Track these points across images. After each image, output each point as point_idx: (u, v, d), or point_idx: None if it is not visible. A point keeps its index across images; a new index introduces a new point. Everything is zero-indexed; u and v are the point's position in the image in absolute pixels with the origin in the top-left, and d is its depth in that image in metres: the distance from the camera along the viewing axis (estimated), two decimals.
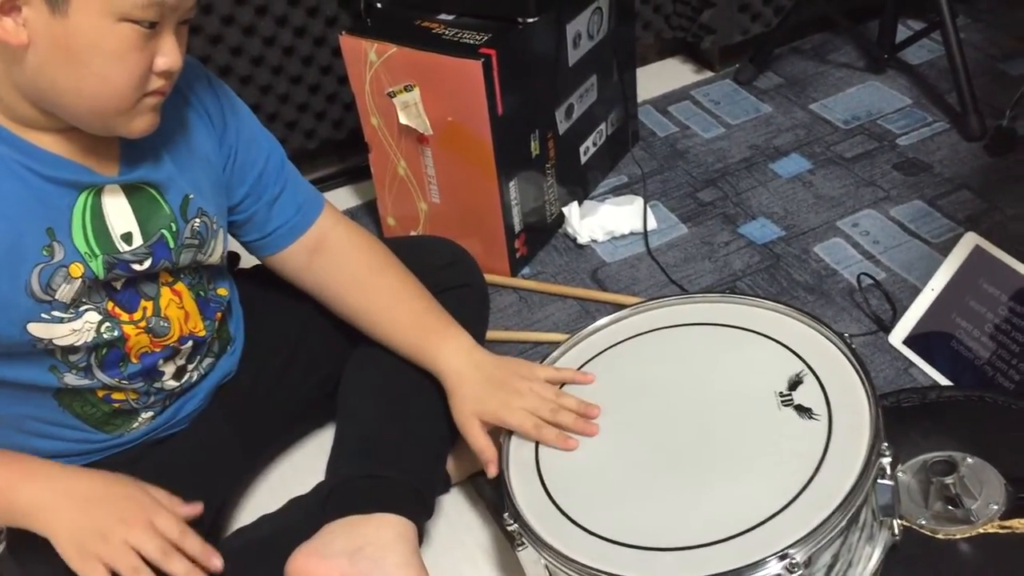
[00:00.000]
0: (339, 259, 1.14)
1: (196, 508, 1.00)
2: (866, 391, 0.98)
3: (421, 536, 1.06)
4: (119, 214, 0.95)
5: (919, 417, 1.15)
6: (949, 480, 1.02)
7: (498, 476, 1.03)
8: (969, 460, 1.05)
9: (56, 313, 0.93)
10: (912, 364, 1.33)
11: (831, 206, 1.66)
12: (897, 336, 1.36)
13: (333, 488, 1.08)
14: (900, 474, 1.07)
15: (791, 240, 1.59)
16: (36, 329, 0.92)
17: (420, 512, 1.08)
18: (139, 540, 0.91)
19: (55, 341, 0.94)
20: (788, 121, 1.89)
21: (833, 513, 0.87)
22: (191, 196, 1.01)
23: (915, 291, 1.38)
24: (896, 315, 1.39)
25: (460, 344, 1.10)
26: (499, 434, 1.06)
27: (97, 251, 0.94)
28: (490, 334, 1.38)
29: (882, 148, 1.78)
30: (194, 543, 0.95)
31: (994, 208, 1.60)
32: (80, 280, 0.93)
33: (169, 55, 0.87)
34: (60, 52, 0.82)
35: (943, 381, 1.29)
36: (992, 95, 1.82)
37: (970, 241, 1.30)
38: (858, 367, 1.01)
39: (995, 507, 1.01)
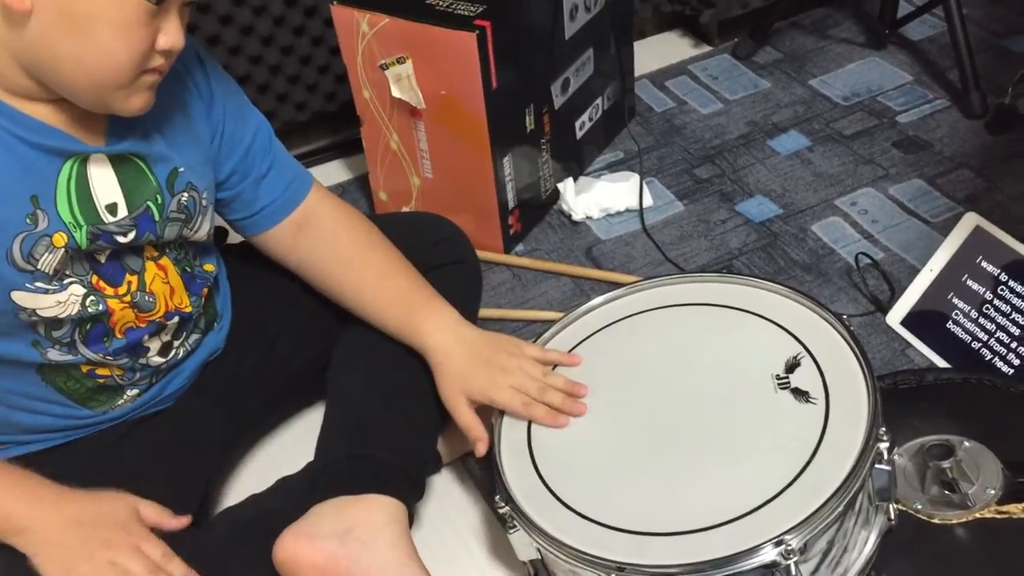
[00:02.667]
0: (324, 236, 1.12)
1: (184, 521, 0.99)
2: (864, 375, 0.97)
3: (411, 517, 1.05)
4: (104, 184, 0.94)
5: (916, 399, 1.13)
6: (946, 464, 1.01)
7: (489, 457, 1.02)
8: (966, 444, 1.04)
9: (40, 284, 0.91)
10: (909, 345, 1.32)
11: (829, 184, 1.64)
12: (895, 317, 1.34)
13: (322, 468, 1.06)
14: (896, 457, 1.05)
15: (789, 218, 1.58)
16: (20, 298, 0.91)
17: (410, 493, 1.06)
18: (125, 561, 0.91)
19: (39, 312, 0.92)
20: (787, 97, 1.86)
21: (830, 499, 0.86)
22: (180, 169, 0.99)
23: (914, 271, 1.36)
24: (894, 295, 1.37)
25: (446, 320, 1.09)
26: (490, 413, 1.05)
27: (81, 221, 0.92)
28: (483, 312, 1.36)
29: (882, 125, 1.76)
30: (178, 567, 0.94)
31: (994, 187, 1.58)
32: (63, 250, 0.91)
33: (172, 34, 0.86)
34: (64, 20, 0.81)
35: (940, 363, 1.28)
36: (994, 72, 1.80)
37: (970, 221, 1.29)
38: (857, 350, 1.00)
39: (992, 492, 1.00)
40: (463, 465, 1.23)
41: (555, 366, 1.09)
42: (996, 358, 1.23)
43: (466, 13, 1.36)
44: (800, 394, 0.97)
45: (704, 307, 1.11)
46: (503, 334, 1.11)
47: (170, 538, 0.96)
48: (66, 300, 0.94)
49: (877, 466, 0.91)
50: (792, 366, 1.00)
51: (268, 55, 1.69)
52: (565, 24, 1.52)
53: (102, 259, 0.96)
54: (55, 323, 0.95)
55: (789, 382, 0.99)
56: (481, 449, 1.05)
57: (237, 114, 1.06)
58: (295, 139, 1.79)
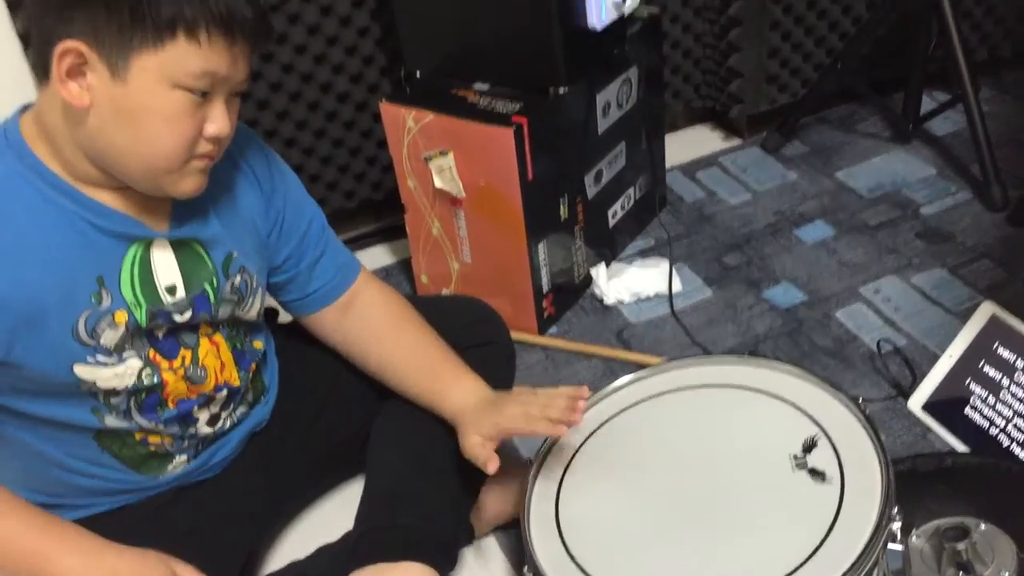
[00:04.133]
0: (365, 315, 1.19)
1: None
2: (879, 456, 1.01)
3: None
4: (165, 267, 1.01)
5: (934, 482, 1.16)
6: (961, 546, 1.03)
7: (518, 529, 1.06)
8: (982, 526, 1.06)
9: (100, 357, 0.98)
10: (930, 430, 1.35)
11: (854, 272, 1.69)
12: (916, 402, 1.38)
13: (360, 536, 1.11)
14: (914, 538, 1.08)
15: (814, 305, 1.63)
16: (81, 371, 0.97)
17: (444, 562, 1.11)
18: None
19: (98, 384, 0.99)
20: (813, 188, 1.93)
21: None
22: (234, 254, 1.07)
23: (935, 358, 1.40)
24: (916, 381, 1.41)
25: (470, 387, 1.14)
26: (515, 474, 1.09)
27: (142, 301, 0.99)
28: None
29: (905, 216, 1.81)
30: None
31: (1015, 277, 1.62)
32: (124, 327, 0.98)
33: (218, 121, 0.94)
34: (118, 114, 0.90)
35: (961, 447, 1.30)
36: (1016, 166, 1.85)
37: (987, 310, 1.33)
38: (872, 432, 1.03)
39: (1006, 574, 1.02)
40: (495, 538, 1.27)
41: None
42: (1014, 444, 1.26)
43: (504, 110, 1.45)
44: (816, 474, 1.01)
45: (726, 388, 1.16)
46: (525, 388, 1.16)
47: None
48: (124, 372, 1.00)
49: (890, 546, 0.94)
50: (809, 447, 1.04)
51: (320, 147, 1.79)
52: (598, 120, 1.61)
53: (159, 335, 1.03)
54: (113, 392, 1.01)
55: (806, 462, 1.03)
56: (491, 468, 1.07)
57: (296, 204, 1.15)
58: (344, 225, 1.89)
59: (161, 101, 0.90)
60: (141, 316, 0.99)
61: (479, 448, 1.09)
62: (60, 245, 0.94)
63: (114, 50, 0.87)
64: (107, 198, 0.97)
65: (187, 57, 0.88)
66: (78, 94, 0.88)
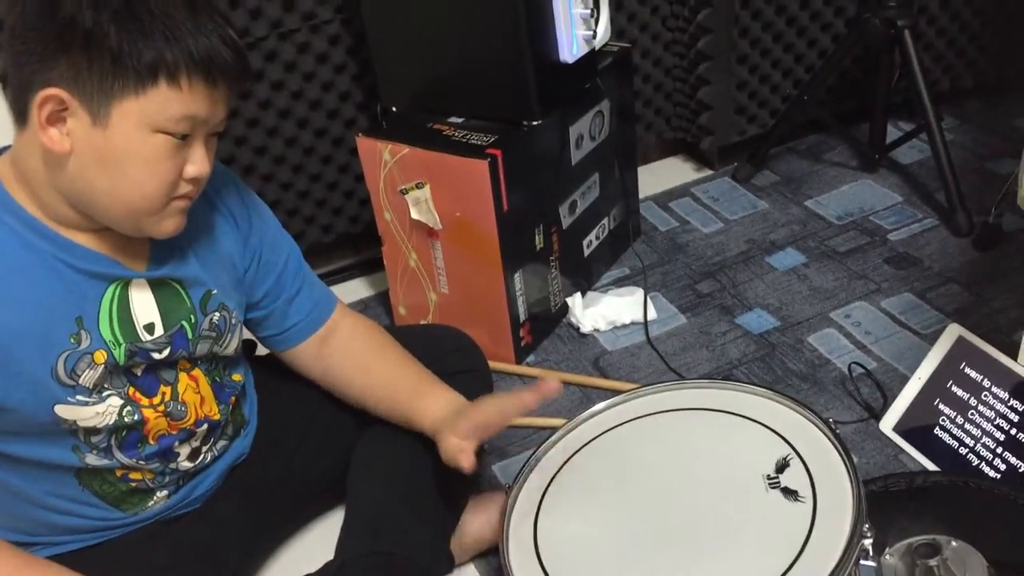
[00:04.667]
0: (343, 347, 1.21)
1: None
2: (849, 475, 1.02)
3: None
4: (144, 305, 1.02)
5: (905, 501, 1.18)
6: (933, 563, 1.05)
7: (498, 554, 1.07)
8: (953, 544, 1.08)
9: (80, 397, 0.99)
10: (902, 451, 1.37)
11: (824, 298, 1.72)
12: (887, 423, 1.40)
13: (341, 566, 1.12)
14: (887, 557, 1.10)
15: (786, 330, 1.65)
16: (63, 411, 0.98)
17: None
18: None
19: (79, 423, 0.99)
20: (784, 217, 1.97)
21: None
22: (213, 292, 1.08)
23: (905, 380, 1.43)
24: (887, 403, 1.44)
25: (448, 399, 1.15)
26: (493, 498, 1.10)
27: (120, 339, 1.00)
28: None
29: (874, 243, 1.85)
30: None
31: (982, 301, 1.66)
32: (103, 366, 0.99)
33: (198, 163, 0.95)
34: (98, 158, 0.90)
35: (932, 467, 1.33)
36: (980, 192, 1.90)
37: (953, 332, 1.36)
38: (842, 452, 1.05)
39: None
40: (475, 565, 1.28)
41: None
42: (983, 463, 1.28)
43: (479, 143, 1.48)
44: (789, 493, 1.03)
45: (700, 411, 1.18)
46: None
47: None
48: (104, 411, 1.01)
49: (863, 562, 0.96)
50: (782, 467, 1.06)
51: (298, 182, 1.81)
52: (572, 151, 1.64)
53: (138, 372, 1.04)
54: (93, 430, 1.02)
55: (779, 482, 1.04)
56: (465, 462, 1.06)
57: (272, 242, 1.16)
58: (321, 258, 1.90)
59: (142, 145, 0.90)
60: (120, 354, 1.00)
61: (455, 449, 1.08)
62: (38, 286, 0.94)
63: (95, 97, 0.88)
64: (85, 239, 0.97)
65: (168, 102, 0.89)
66: (58, 140, 0.89)
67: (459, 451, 1.08)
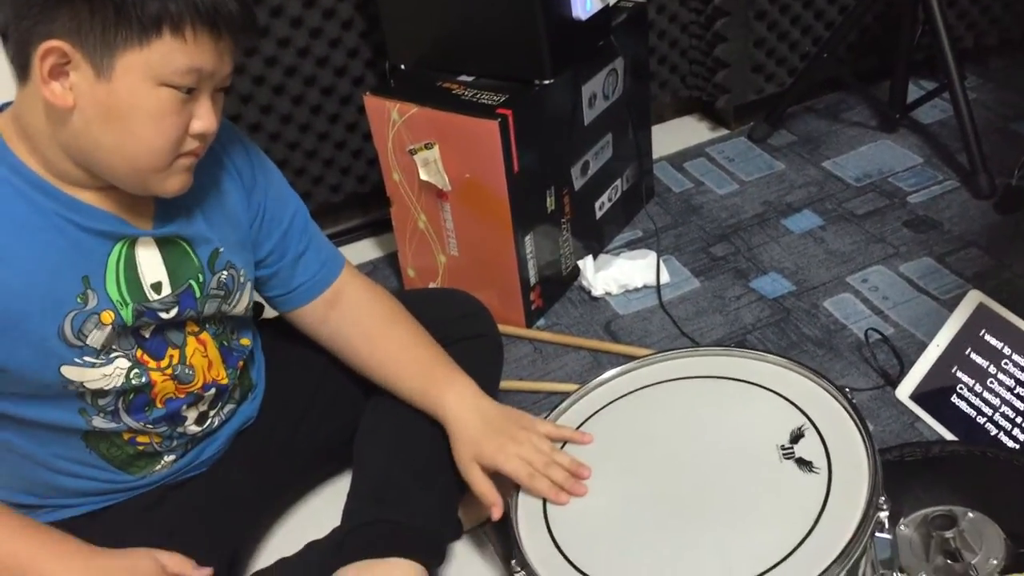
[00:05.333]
0: (352, 313, 1.19)
1: (206, 572, 1.04)
2: (865, 446, 1.00)
3: None
4: (151, 264, 1.01)
5: (922, 471, 1.16)
6: (949, 534, 1.04)
7: (506, 523, 1.06)
8: (970, 515, 1.07)
9: (88, 358, 0.97)
10: (918, 419, 1.35)
11: (841, 262, 1.69)
12: (904, 391, 1.38)
13: (348, 533, 1.11)
14: (902, 528, 1.08)
15: (801, 295, 1.63)
16: (69, 372, 0.97)
17: (432, 557, 1.11)
18: None
19: (86, 384, 0.98)
20: (801, 178, 1.93)
21: (830, 567, 0.89)
22: (220, 250, 1.06)
23: (922, 346, 1.40)
24: (903, 370, 1.41)
25: (464, 391, 1.14)
26: (508, 483, 1.09)
27: (128, 299, 0.99)
28: (504, 383, 1.42)
29: (892, 205, 1.81)
30: None
31: (1002, 265, 1.62)
32: (110, 327, 0.98)
33: (204, 119, 0.93)
34: (102, 113, 0.88)
35: (949, 436, 1.31)
36: (1002, 154, 1.86)
37: (974, 299, 1.33)
38: (858, 422, 1.03)
39: (995, 562, 1.02)
40: (483, 532, 1.27)
41: (564, 444, 1.12)
42: (1001, 433, 1.26)
43: (489, 102, 1.45)
44: (804, 464, 1.01)
45: (713, 380, 1.16)
46: (519, 409, 1.16)
47: None
48: (111, 373, 1.00)
49: (878, 535, 0.94)
50: (796, 437, 1.04)
51: (305, 141, 1.79)
52: (584, 111, 1.61)
53: (146, 334, 1.03)
54: (100, 392, 1.01)
55: (793, 452, 1.03)
56: (496, 514, 1.08)
57: (278, 198, 1.14)
58: (329, 219, 1.88)
59: (147, 99, 0.88)
60: (127, 315, 0.99)
61: (485, 486, 1.09)
62: (43, 246, 0.93)
63: (98, 49, 0.86)
64: (90, 197, 0.96)
65: (173, 54, 0.87)
66: (61, 94, 0.87)
67: (493, 499, 1.08)
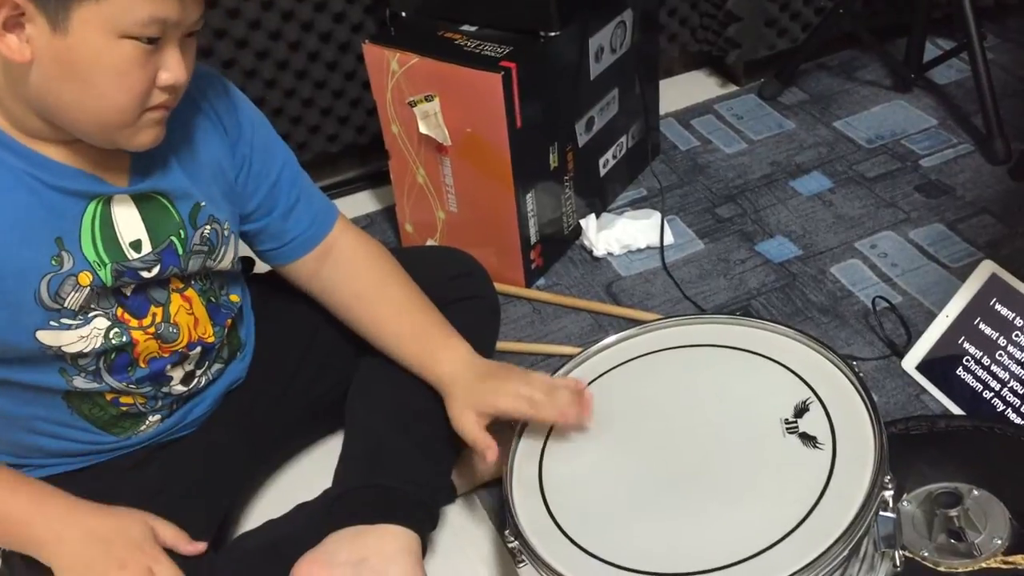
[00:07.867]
0: (345, 269, 1.15)
1: (199, 547, 1.02)
2: (872, 422, 0.98)
3: (425, 547, 1.07)
4: (128, 223, 0.96)
5: (927, 446, 1.14)
6: (953, 512, 1.02)
7: (501, 491, 1.03)
8: (975, 492, 1.05)
9: (64, 320, 0.94)
10: (924, 390, 1.32)
11: (850, 226, 1.65)
12: (910, 361, 1.35)
13: (339, 497, 1.09)
14: (905, 504, 1.06)
15: (808, 259, 1.59)
16: (44, 336, 0.93)
17: (424, 523, 1.08)
18: None
19: (63, 348, 0.95)
20: (811, 138, 1.88)
21: (833, 545, 0.87)
22: (202, 204, 1.02)
23: (931, 316, 1.37)
24: (910, 340, 1.38)
25: (458, 353, 1.11)
26: (499, 433, 1.07)
27: (106, 259, 0.95)
28: (501, 345, 1.39)
29: (904, 169, 1.76)
30: None
31: (1015, 234, 1.58)
32: (88, 288, 0.94)
33: (173, 70, 0.87)
34: (62, 68, 0.83)
35: (955, 409, 1.28)
36: (1020, 118, 1.80)
37: (987, 269, 1.29)
38: (865, 397, 1.00)
39: (999, 542, 1.00)
40: (477, 497, 1.25)
41: None
42: (1009, 409, 1.23)
43: (492, 54, 1.39)
44: (808, 439, 0.98)
45: (717, 349, 1.12)
46: (514, 365, 1.13)
47: (185, 562, 0.99)
48: (89, 334, 0.96)
49: (882, 513, 0.92)
50: (801, 411, 1.02)
51: (302, 88, 1.73)
52: (590, 65, 1.55)
53: (127, 292, 0.99)
54: (80, 354, 0.97)
55: (797, 427, 1.00)
56: (490, 456, 1.06)
57: (264, 148, 1.09)
58: (326, 170, 1.84)
59: (108, 53, 0.83)
60: (105, 275, 0.95)
61: (477, 432, 1.06)
62: (10, 207, 0.89)
63: (51, 1, 0.80)
64: (59, 154, 0.91)
65: (132, 5, 0.81)
66: (18, 48, 0.82)
67: (485, 444, 1.06)
